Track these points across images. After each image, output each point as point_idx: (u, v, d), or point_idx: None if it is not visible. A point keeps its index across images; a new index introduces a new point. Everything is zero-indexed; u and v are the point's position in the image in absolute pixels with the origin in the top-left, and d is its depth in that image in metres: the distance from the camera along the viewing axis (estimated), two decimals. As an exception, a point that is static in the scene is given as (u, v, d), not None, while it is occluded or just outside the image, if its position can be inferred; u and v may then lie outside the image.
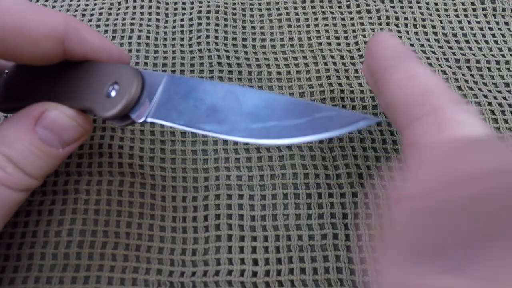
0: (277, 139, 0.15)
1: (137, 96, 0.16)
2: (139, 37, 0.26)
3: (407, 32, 0.27)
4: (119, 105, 0.16)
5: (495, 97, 0.24)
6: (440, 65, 0.25)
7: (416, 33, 0.27)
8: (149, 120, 0.16)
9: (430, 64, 0.25)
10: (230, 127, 0.15)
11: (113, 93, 0.16)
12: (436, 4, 0.28)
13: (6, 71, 0.19)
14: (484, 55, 0.26)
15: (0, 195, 0.15)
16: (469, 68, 0.25)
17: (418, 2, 0.28)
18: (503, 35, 0.26)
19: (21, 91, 0.18)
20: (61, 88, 0.17)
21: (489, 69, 0.25)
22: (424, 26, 0.27)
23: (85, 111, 0.17)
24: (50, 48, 0.16)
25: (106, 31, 0.26)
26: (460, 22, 0.27)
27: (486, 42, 0.26)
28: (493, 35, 0.26)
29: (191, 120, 0.16)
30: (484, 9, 0.27)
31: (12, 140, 0.16)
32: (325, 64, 0.25)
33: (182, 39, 0.26)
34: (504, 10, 0.27)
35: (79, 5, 0.28)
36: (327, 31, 0.27)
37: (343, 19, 0.27)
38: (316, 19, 0.27)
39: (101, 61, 0.17)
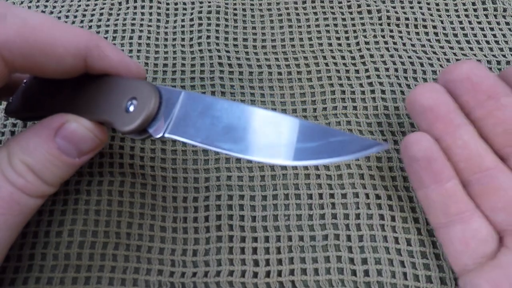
0: (291, 161, 0.15)
1: (155, 111, 0.17)
2: (139, 37, 0.26)
3: (408, 32, 0.27)
4: (138, 120, 0.16)
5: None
6: (441, 65, 0.25)
7: (417, 33, 0.27)
8: (167, 135, 0.17)
9: (431, 64, 0.25)
10: (245, 146, 0.16)
11: (131, 108, 0.17)
12: (437, 4, 0.28)
13: (25, 80, 0.20)
14: (485, 55, 0.26)
15: (20, 201, 0.16)
16: (470, 68, 0.25)
17: (419, 2, 0.28)
18: (504, 35, 0.26)
19: (40, 101, 0.19)
20: (80, 100, 0.18)
21: (490, 69, 0.25)
22: (425, 26, 0.27)
23: (102, 124, 0.18)
24: (73, 64, 0.16)
25: (106, 32, 0.26)
26: (461, 22, 0.27)
27: (487, 42, 0.26)
28: (494, 35, 0.26)
29: (209, 137, 0.16)
30: (485, 9, 0.27)
31: (33, 149, 0.16)
32: (326, 64, 0.25)
33: (182, 39, 0.26)
34: (505, 10, 0.27)
35: (79, 6, 0.28)
36: (328, 31, 0.27)
37: (344, 19, 0.27)
38: (317, 19, 0.27)
39: (119, 75, 0.18)
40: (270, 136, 0.16)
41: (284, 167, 0.22)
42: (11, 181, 0.16)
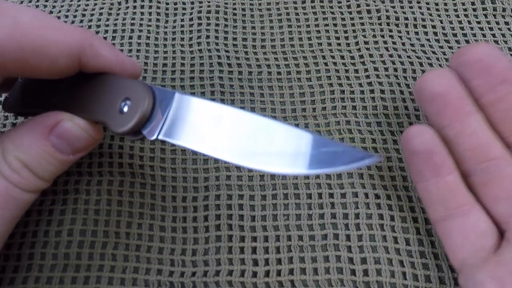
0: (280, 168, 0.15)
1: (148, 112, 0.17)
2: (139, 37, 0.26)
3: (407, 32, 0.27)
4: (132, 121, 0.16)
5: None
6: (440, 65, 0.25)
7: (416, 33, 0.27)
8: (160, 138, 0.17)
9: (431, 64, 0.25)
10: (238, 151, 0.16)
11: (125, 109, 0.17)
12: (436, 4, 0.28)
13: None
14: (484, 55, 0.26)
15: (16, 196, 0.16)
16: (469, 68, 0.25)
17: (418, 2, 0.28)
18: (503, 35, 0.26)
19: (36, 98, 0.19)
20: (75, 99, 0.18)
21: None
22: (424, 26, 0.27)
23: (96, 122, 0.18)
24: (66, 64, 0.16)
25: (106, 31, 0.26)
26: (460, 22, 0.27)
27: (486, 42, 0.26)
28: (493, 35, 0.26)
29: (201, 141, 0.16)
30: (484, 9, 0.27)
31: (27, 146, 0.16)
32: (325, 64, 0.25)
33: (182, 39, 0.26)
34: (504, 10, 0.27)
35: (79, 5, 0.28)
36: (327, 31, 0.27)
37: (343, 19, 0.27)
38: (316, 19, 0.27)
39: (114, 73, 0.18)
40: (263, 142, 0.16)
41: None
42: (6, 177, 0.16)
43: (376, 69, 0.25)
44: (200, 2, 0.28)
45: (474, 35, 0.26)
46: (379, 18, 0.27)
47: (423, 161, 0.18)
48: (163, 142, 0.22)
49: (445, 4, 0.28)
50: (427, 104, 0.19)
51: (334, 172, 0.16)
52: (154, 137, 0.17)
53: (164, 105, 0.17)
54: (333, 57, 0.26)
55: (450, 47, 0.26)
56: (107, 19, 0.27)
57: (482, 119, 0.18)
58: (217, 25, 0.27)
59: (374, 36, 0.26)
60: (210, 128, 0.16)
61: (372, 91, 0.24)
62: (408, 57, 0.25)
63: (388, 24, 0.27)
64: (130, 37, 0.26)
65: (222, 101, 0.24)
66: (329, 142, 0.15)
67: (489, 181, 0.18)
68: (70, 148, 0.17)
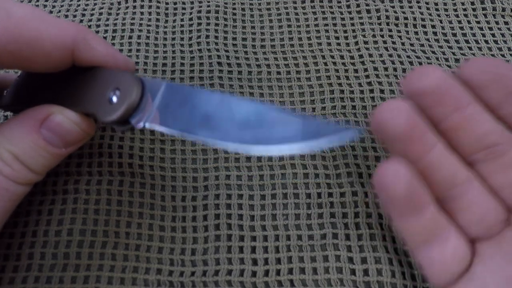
0: (266, 145, 0.16)
1: (137, 102, 0.17)
2: (139, 37, 0.26)
3: (407, 32, 0.27)
4: (119, 110, 0.17)
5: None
6: (440, 65, 0.25)
7: (416, 33, 0.27)
8: (147, 126, 0.17)
9: (430, 64, 0.25)
10: (222, 134, 0.16)
11: (114, 99, 0.17)
12: (436, 4, 0.28)
13: (19, 74, 0.20)
14: (483, 55, 0.26)
15: (9, 188, 0.16)
16: (469, 68, 0.25)
17: (418, 2, 0.28)
18: (502, 35, 0.26)
19: (31, 94, 0.19)
20: (67, 92, 0.18)
21: (489, 69, 0.25)
22: (424, 26, 0.27)
23: (88, 115, 0.18)
24: (60, 58, 0.17)
25: (106, 31, 0.26)
26: (460, 22, 0.27)
27: (486, 42, 0.26)
28: (493, 35, 0.26)
29: (187, 127, 0.17)
30: (483, 9, 0.27)
31: (19, 139, 0.16)
32: (325, 64, 0.25)
33: (182, 39, 0.26)
34: (504, 10, 0.27)
35: (79, 5, 0.28)
36: (327, 31, 0.27)
37: (343, 19, 0.27)
38: (316, 19, 0.27)
39: (107, 68, 0.18)
40: (245, 124, 0.16)
41: (283, 167, 0.22)
42: None
43: (375, 69, 0.25)
44: (200, 2, 0.28)
45: (474, 34, 0.27)
46: (378, 18, 0.27)
47: (404, 203, 0.17)
48: (162, 141, 0.22)
49: (445, 4, 0.28)
50: (389, 143, 0.17)
51: (320, 147, 0.16)
52: (141, 125, 0.17)
53: (153, 95, 0.17)
54: (332, 57, 0.26)
55: (450, 47, 0.26)
56: (107, 19, 0.27)
57: (445, 147, 0.17)
58: (216, 25, 0.27)
59: (374, 36, 0.26)
60: (198, 115, 0.17)
61: (371, 91, 0.24)
62: (408, 57, 0.25)
63: (387, 24, 0.27)
64: (130, 37, 0.26)
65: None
66: (312, 118, 0.16)
67: (459, 207, 0.17)
68: (61, 141, 0.17)
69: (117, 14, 0.27)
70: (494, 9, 0.27)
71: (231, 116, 0.16)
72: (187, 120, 0.17)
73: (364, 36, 0.26)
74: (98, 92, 0.17)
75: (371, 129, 0.18)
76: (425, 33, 0.27)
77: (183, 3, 0.28)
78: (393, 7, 0.28)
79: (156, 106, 0.17)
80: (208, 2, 0.28)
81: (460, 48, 0.26)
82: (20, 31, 0.15)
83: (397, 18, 0.27)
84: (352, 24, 0.27)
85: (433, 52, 0.26)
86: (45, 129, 0.17)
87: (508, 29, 0.27)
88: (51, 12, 0.27)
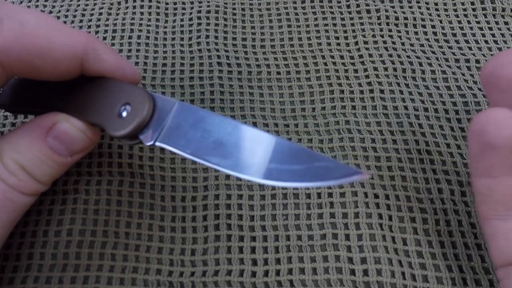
0: (276, 181, 0.16)
1: (147, 118, 0.17)
2: (139, 37, 0.26)
3: (407, 32, 0.27)
4: (130, 126, 0.17)
5: (495, 97, 0.24)
6: (439, 65, 0.25)
7: (416, 33, 0.27)
8: (157, 144, 0.17)
9: (430, 64, 0.25)
10: (234, 162, 0.16)
11: (124, 114, 0.17)
12: (436, 4, 0.28)
13: None
14: (483, 55, 0.26)
15: (14, 199, 0.16)
16: (468, 68, 0.25)
17: (418, 2, 0.28)
18: (502, 35, 0.26)
19: (32, 97, 0.19)
20: (73, 100, 0.18)
21: (489, 69, 0.25)
22: (424, 26, 0.27)
23: (94, 125, 0.18)
24: (69, 68, 0.17)
25: (106, 31, 0.26)
26: (459, 22, 0.27)
27: (486, 42, 0.26)
28: (493, 35, 0.26)
29: (198, 150, 0.16)
30: (483, 9, 0.27)
31: (24, 148, 0.16)
32: (325, 64, 0.25)
33: (182, 39, 0.26)
34: (503, 10, 0.27)
35: (79, 5, 0.28)
36: (326, 31, 0.27)
37: (342, 19, 0.27)
38: (315, 19, 0.27)
39: (114, 78, 0.18)
40: (256, 154, 0.16)
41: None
42: (4, 179, 0.16)
43: (375, 69, 0.25)
44: (200, 2, 0.28)
45: (474, 35, 0.26)
46: (378, 18, 0.27)
47: (500, 158, 0.15)
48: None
49: (445, 4, 0.28)
50: (499, 94, 0.16)
51: (325, 186, 0.16)
52: (150, 143, 0.17)
53: (164, 113, 0.17)
54: (332, 57, 0.26)
55: (450, 47, 0.26)
56: (107, 19, 0.27)
57: None
58: (216, 25, 0.27)
59: (374, 36, 0.26)
60: (211, 140, 0.16)
61: (371, 91, 0.24)
62: (408, 57, 0.25)
63: (387, 24, 0.27)
64: (130, 37, 0.26)
65: (222, 101, 0.24)
66: (322, 157, 0.16)
67: None
68: (67, 150, 0.17)
69: (117, 14, 0.27)
70: (494, 9, 0.27)
71: (242, 145, 0.16)
72: (198, 144, 0.16)
73: (364, 36, 0.26)
74: (107, 104, 0.17)
75: (480, 77, 0.16)
76: (425, 33, 0.27)
77: (183, 3, 0.28)
78: (393, 7, 0.28)
79: (168, 124, 0.17)
80: (208, 2, 0.28)
81: (460, 48, 0.26)
82: (32, 41, 0.15)
83: (397, 18, 0.27)
84: (352, 24, 0.27)
85: (433, 52, 0.26)
86: (51, 137, 0.17)
87: (508, 29, 0.27)
88: (51, 12, 0.27)
